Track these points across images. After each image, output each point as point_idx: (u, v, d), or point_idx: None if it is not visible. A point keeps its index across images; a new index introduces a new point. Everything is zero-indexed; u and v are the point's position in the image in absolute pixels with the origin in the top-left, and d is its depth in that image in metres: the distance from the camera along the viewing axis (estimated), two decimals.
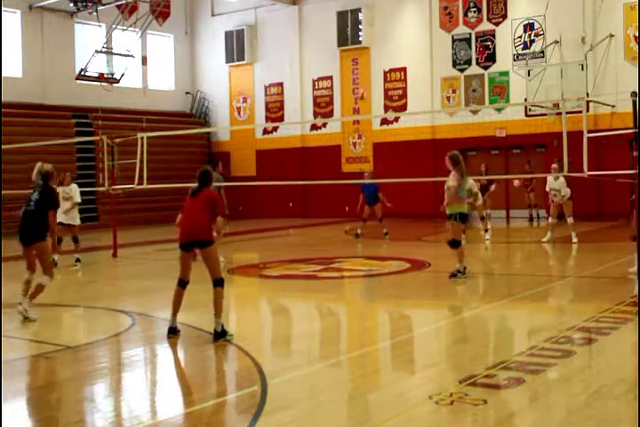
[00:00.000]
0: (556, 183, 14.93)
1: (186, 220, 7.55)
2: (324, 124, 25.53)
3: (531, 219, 21.26)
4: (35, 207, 8.62)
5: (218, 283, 7.41)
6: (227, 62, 27.69)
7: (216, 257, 7.61)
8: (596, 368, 6.19)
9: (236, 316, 9.17)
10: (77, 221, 13.99)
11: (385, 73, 24.65)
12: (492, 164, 22.45)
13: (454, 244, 10.72)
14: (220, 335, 7.21)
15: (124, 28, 23.71)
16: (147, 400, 5.70)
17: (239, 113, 27.91)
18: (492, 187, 17.81)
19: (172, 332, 7.40)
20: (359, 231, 17.38)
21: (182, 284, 7.57)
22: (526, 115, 21.88)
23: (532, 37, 22.09)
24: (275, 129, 26.66)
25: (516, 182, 19.64)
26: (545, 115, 21.01)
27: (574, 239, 14.90)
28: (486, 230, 16.34)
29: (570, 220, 15.09)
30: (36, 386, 6.06)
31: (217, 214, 7.59)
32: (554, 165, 14.91)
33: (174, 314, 7.46)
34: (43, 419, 5.27)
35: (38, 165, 8.93)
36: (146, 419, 5.10)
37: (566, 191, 14.99)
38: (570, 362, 6.09)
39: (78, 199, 13.91)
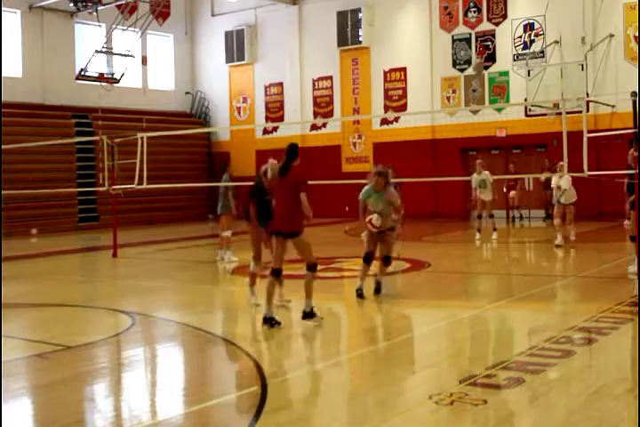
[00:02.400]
0: (562, 180, 14.60)
1: (277, 207, 7.69)
2: (324, 124, 25.51)
3: (513, 220, 21.44)
4: None
5: (309, 268, 7.60)
6: (227, 62, 27.70)
7: (306, 245, 7.66)
8: (596, 368, 6.19)
9: (236, 316, 9.16)
10: None
11: (385, 73, 24.65)
12: (492, 164, 22.50)
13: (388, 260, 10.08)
14: (308, 315, 7.46)
15: (124, 28, 23.72)
16: (147, 400, 5.69)
17: (239, 113, 27.91)
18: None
19: (268, 322, 7.43)
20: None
21: (276, 274, 7.60)
22: (526, 115, 21.87)
23: (532, 37, 22.09)
24: (275, 129, 26.65)
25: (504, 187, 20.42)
26: (545, 115, 21.00)
27: (572, 237, 14.85)
28: (494, 229, 16.27)
29: (570, 224, 14.97)
30: (36, 386, 6.06)
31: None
32: (560, 163, 14.63)
33: (269, 303, 7.49)
34: (43, 419, 5.27)
35: None
36: (146, 419, 5.09)
37: (572, 192, 14.77)
38: (570, 362, 6.09)
39: None
